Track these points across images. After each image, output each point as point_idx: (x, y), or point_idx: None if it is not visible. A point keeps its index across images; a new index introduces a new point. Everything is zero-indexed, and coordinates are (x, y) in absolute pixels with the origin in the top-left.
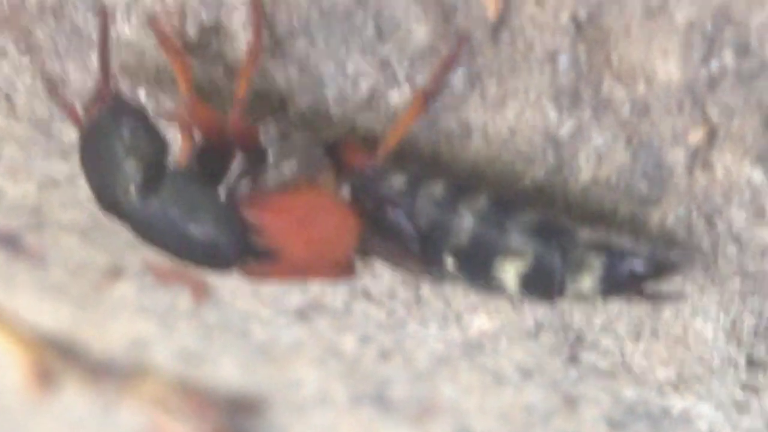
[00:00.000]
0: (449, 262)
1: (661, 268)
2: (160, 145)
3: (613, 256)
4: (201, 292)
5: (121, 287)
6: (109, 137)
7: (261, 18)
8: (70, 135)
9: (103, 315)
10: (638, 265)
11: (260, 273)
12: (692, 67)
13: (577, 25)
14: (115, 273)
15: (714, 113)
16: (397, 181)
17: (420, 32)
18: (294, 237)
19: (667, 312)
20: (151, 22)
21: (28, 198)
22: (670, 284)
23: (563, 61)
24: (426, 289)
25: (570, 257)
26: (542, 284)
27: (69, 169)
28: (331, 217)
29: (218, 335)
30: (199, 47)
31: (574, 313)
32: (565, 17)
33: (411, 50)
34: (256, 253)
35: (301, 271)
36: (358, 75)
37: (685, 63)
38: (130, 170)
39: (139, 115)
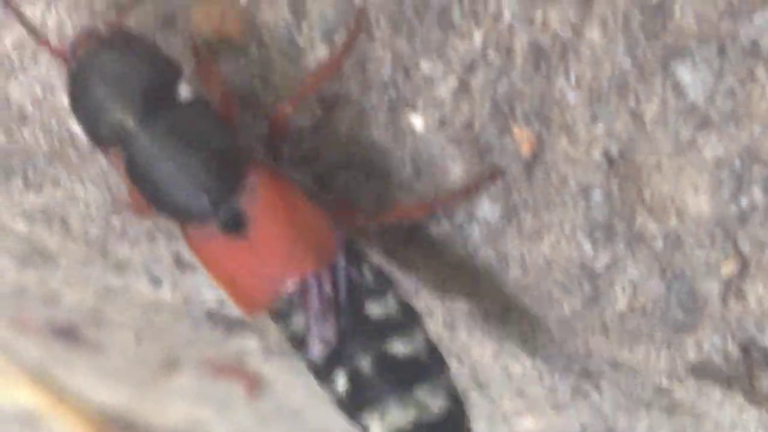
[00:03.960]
0: (339, 379)
1: None
2: (168, 73)
3: None
4: (254, 386)
5: (178, 378)
6: (114, 63)
7: (356, 35)
8: (124, 252)
9: (162, 398)
10: None
11: (216, 245)
12: (722, 202)
13: (610, 161)
14: (171, 365)
15: (745, 246)
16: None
17: (456, 169)
18: (268, 227)
19: (708, 424)
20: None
21: (85, 302)
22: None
23: (596, 195)
24: (474, 391)
25: None
26: None
27: (123, 281)
28: (310, 234)
29: (275, 419)
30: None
31: (618, 418)
32: (597, 153)
33: (449, 186)
34: (231, 216)
35: (248, 268)
36: None
37: (715, 198)
38: (134, 97)
39: (146, 42)
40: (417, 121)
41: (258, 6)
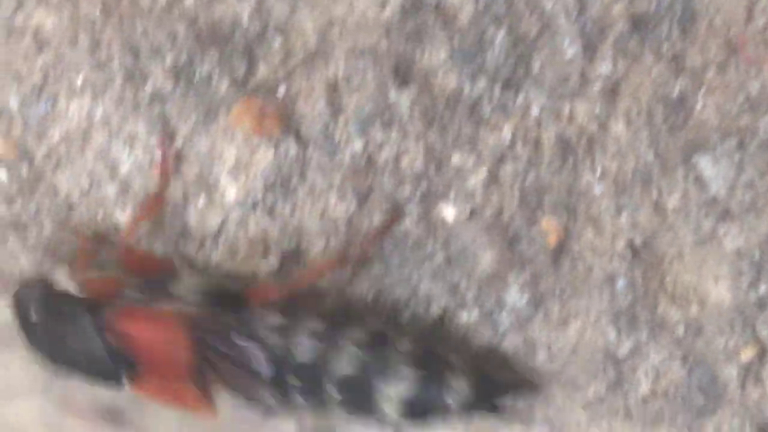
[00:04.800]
0: (332, 391)
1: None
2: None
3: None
4: None
5: None
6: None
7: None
8: None
9: None
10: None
11: (139, 389)
12: (742, 291)
13: (633, 251)
14: None
15: (764, 333)
16: (274, 320)
17: (486, 258)
18: (146, 355)
19: None
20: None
21: None
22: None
23: (621, 284)
24: None
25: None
26: (422, 409)
27: None
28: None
29: None
30: (280, 272)
31: None
32: (621, 243)
33: (478, 275)
34: (127, 366)
35: (163, 393)
36: (429, 300)
37: (736, 287)
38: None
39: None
40: (448, 212)
41: (295, 100)
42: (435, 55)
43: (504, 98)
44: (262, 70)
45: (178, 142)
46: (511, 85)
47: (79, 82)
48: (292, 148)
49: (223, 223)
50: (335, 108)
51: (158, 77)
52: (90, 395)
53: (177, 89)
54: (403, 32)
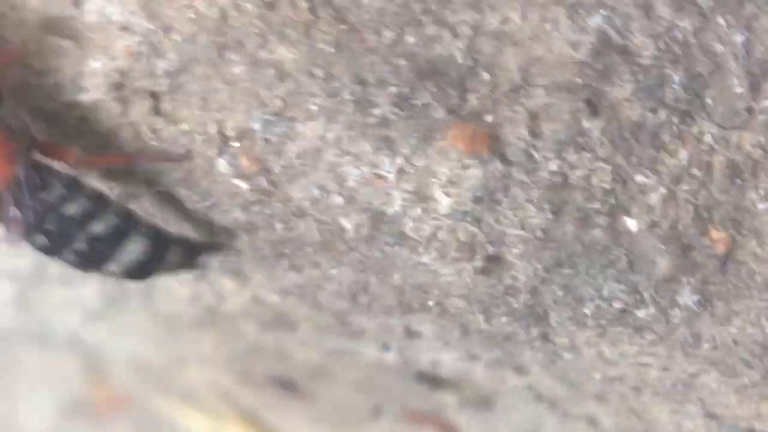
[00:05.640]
0: (78, 245)
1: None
2: None
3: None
4: None
5: (379, 424)
6: None
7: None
8: (362, 322)
9: None
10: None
11: None
12: None
13: None
14: (375, 413)
15: None
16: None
17: (663, 264)
18: None
19: None
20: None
21: (312, 360)
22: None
23: None
24: None
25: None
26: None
27: (356, 346)
28: None
29: None
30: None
31: None
32: None
33: (655, 278)
34: None
35: None
36: (612, 297)
37: None
38: None
39: None
40: (631, 223)
41: (501, 126)
42: (621, 90)
43: (681, 127)
44: (473, 101)
45: (399, 160)
46: (687, 116)
47: (314, 107)
48: (497, 167)
49: (436, 230)
50: (535, 133)
51: (383, 105)
52: (269, 369)
53: (399, 115)
54: (594, 70)
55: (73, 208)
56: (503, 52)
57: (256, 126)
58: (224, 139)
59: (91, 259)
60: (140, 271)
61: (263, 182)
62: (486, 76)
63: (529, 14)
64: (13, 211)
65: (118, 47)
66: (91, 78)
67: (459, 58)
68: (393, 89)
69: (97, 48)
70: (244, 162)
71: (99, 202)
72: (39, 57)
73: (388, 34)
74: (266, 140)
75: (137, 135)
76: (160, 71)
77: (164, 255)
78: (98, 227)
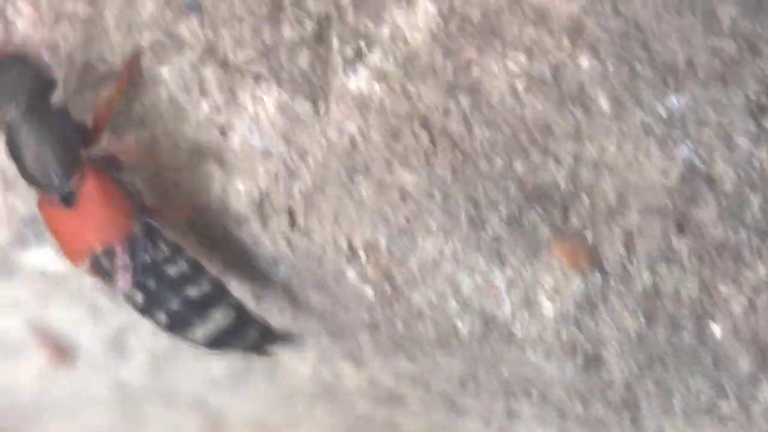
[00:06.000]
0: (162, 317)
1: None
2: (45, 84)
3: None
4: None
5: None
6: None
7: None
8: (469, 403)
9: None
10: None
11: (55, 210)
12: None
13: None
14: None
15: None
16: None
17: (744, 364)
18: (88, 205)
19: None
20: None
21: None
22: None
23: None
24: None
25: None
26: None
27: (462, 423)
28: (115, 214)
29: None
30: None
31: None
32: None
33: (738, 376)
34: (67, 192)
35: (73, 230)
36: (698, 392)
37: None
38: (17, 95)
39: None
40: (716, 328)
41: (600, 242)
42: (706, 212)
43: (760, 245)
44: (574, 220)
45: (509, 271)
46: (765, 234)
47: (433, 225)
48: (596, 278)
49: (542, 331)
50: (630, 249)
51: (494, 223)
52: None
53: (509, 232)
54: (682, 194)
55: (173, 270)
56: (601, 178)
57: (382, 240)
58: (353, 251)
59: (180, 321)
60: (220, 341)
61: (387, 288)
62: (586, 199)
63: (623, 145)
64: (125, 262)
65: (260, 170)
66: (236, 197)
67: (562, 183)
68: (503, 210)
69: (240, 171)
70: (370, 271)
71: (197, 268)
72: (189, 180)
73: (499, 161)
74: (390, 252)
75: (275, 246)
76: (297, 191)
77: (245, 331)
78: (193, 291)
